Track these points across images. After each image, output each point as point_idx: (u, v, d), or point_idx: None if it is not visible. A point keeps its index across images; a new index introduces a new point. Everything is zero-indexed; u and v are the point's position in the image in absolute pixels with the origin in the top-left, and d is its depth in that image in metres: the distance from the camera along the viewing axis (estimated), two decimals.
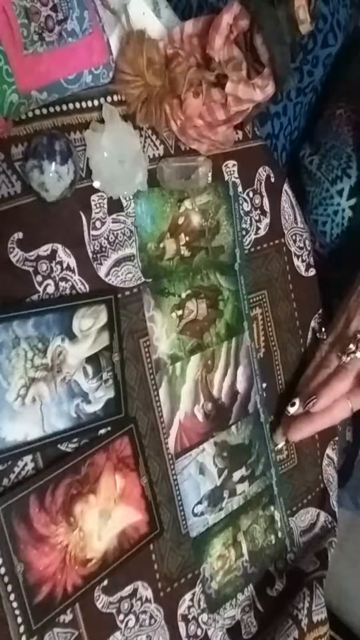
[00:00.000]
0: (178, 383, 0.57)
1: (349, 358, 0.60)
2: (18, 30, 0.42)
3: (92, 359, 0.50)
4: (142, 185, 0.52)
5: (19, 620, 0.45)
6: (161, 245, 0.55)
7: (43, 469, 0.47)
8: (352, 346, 0.60)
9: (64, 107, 0.49)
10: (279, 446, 0.65)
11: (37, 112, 0.47)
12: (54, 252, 0.48)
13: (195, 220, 0.58)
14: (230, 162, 0.60)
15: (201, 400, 0.59)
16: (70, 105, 0.49)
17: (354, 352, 0.60)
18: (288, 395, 0.64)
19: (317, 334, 0.68)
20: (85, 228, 0.50)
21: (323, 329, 0.67)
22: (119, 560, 0.51)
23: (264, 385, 0.65)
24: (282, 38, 0.50)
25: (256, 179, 0.63)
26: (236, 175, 0.61)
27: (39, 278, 0.47)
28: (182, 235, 0.57)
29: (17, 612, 0.45)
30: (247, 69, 0.52)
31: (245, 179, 0.61)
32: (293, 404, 0.62)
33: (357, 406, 0.60)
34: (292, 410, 0.62)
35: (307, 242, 0.68)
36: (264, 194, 0.63)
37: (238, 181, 0.61)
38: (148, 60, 0.50)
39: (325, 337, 0.65)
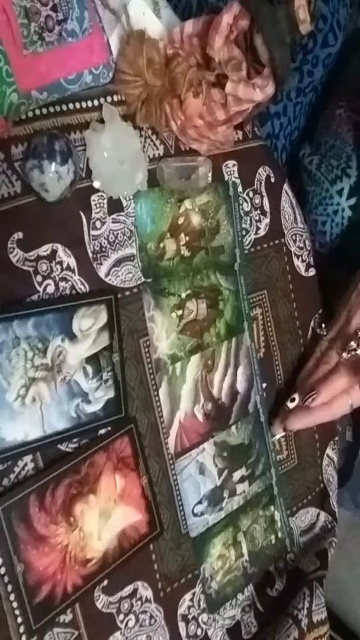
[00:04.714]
0: (178, 383, 0.57)
1: (349, 355, 0.60)
2: (18, 30, 0.42)
3: (92, 359, 0.50)
4: (142, 185, 0.52)
5: (19, 620, 0.45)
6: (161, 245, 0.55)
7: (43, 469, 0.47)
8: (353, 343, 0.60)
9: (64, 107, 0.49)
10: (277, 437, 0.65)
11: (37, 112, 0.47)
12: (54, 252, 0.48)
13: (195, 220, 0.58)
14: (230, 162, 0.60)
15: (201, 400, 0.59)
16: (70, 105, 0.49)
17: (355, 349, 0.60)
18: (288, 395, 0.64)
19: (317, 330, 0.68)
20: (85, 228, 0.50)
21: (323, 325, 0.67)
22: (119, 560, 0.51)
23: (264, 385, 0.65)
24: (282, 38, 0.50)
25: (256, 179, 0.63)
26: (236, 175, 0.61)
27: (39, 278, 0.47)
28: (182, 235, 0.57)
29: (17, 612, 0.45)
30: (247, 69, 0.52)
31: (245, 179, 0.61)
32: (293, 399, 0.62)
33: (357, 402, 0.60)
34: (291, 405, 0.62)
35: (307, 242, 0.68)
36: (264, 194, 0.63)
37: (238, 181, 0.61)
38: (148, 60, 0.50)
39: (325, 333, 0.66)
